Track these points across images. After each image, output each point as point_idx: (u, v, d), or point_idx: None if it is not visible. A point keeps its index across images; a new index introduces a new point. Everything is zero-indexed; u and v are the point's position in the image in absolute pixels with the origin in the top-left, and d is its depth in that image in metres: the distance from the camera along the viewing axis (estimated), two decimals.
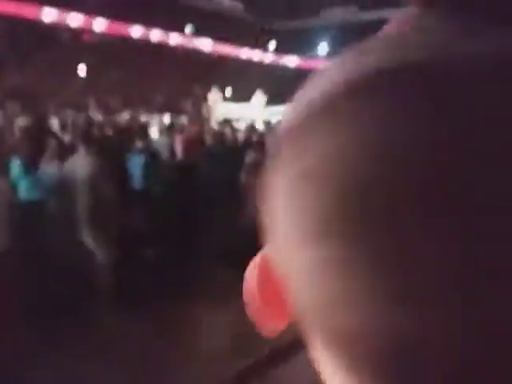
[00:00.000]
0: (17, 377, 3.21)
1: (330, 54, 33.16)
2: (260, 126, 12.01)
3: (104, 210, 3.66)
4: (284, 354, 2.71)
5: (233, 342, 3.67)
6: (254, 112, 16.66)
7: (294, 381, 2.48)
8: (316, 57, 33.68)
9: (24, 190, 3.95)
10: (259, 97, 17.44)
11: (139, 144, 5.31)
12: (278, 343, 3.14)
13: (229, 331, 3.75)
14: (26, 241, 3.45)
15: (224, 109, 19.87)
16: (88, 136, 3.99)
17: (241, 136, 8.40)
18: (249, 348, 3.29)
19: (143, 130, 6.02)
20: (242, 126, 12.21)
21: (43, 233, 3.65)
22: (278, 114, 17.47)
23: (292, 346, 2.26)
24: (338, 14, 28.13)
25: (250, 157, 5.51)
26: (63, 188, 3.77)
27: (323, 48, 33.16)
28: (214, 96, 17.89)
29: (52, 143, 4.67)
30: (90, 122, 7.36)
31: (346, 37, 30.07)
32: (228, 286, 4.52)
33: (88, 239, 3.67)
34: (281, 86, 26.29)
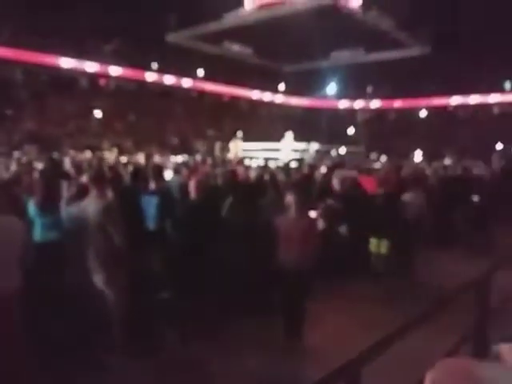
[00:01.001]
0: None
1: (338, 94, 33.84)
2: (292, 164, 12.71)
3: (114, 252, 3.62)
4: None
5: None
6: (283, 151, 17.85)
7: None
8: (325, 97, 34.38)
9: (38, 231, 3.98)
10: (288, 137, 18.63)
11: (153, 185, 5.35)
12: None
13: (242, 378, 3.62)
14: (39, 281, 3.42)
15: (236, 148, 20.27)
16: (99, 178, 3.97)
17: (253, 174, 8.45)
18: None
19: (157, 170, 6.08)
20: (253, 164, 12.43)
21: (56, 273, 3.62)
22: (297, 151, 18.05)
23: None
24: (346, 56, 28.92)
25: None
26: (76, 229, 3.77)
27: (332, 88, 33.91)
28: (235, 140, 19.09)
29: (66, 185, 4.72)
30: (101, 165, 7.47)
31: (354, 77, 30.84)
32: (241, 334, 4.40)
33: (99, 281, 3.62)
34: (292, 125, 26.68)
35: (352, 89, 32.60)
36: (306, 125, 25.50)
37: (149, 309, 4.00)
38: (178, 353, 4.01)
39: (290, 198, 4.30)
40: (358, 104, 33.79)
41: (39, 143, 15.89)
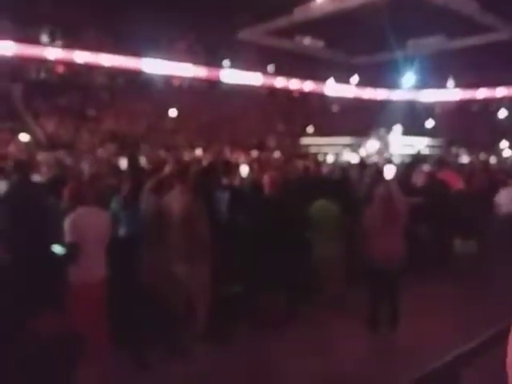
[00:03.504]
0: None
1: (416, 84, 32.15)
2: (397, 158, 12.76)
3: (197, 245, 3.71)
4: None
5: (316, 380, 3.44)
6: (392, 145, 17.80)
7: None
8: (402, 87, 32.85)
9: (122, 224, 4.12)
10: (397, 130, 18.91)
11: (224, 181, 5.37)
12: None
13: (311, 370, 3.51)
14: (123, 271, 3.54)
15: (310, 143, 20.09)
16: (184, 174, 4.11)
17: (325, 170, 8.26)
18: None
19: (228, 167, 6.11)
20: (329, 159, 12.27)
21: (138, 264, 3.74)
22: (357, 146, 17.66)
23: None
24: (425, 44, 27.32)
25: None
26: (159, 222, 3.88)
27: (409, 79, 32.23)
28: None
29: (147, 181, 4.83)
30: (186, 162, 7.72)
31: (433, 66, 29.05)
32: (317, 325, 4.30)
33: (182, 272, 3.69)
34: (366, 119, 25.81)
35: (431, 79, 30.84)
36: (381, 118, 24.51)
37: (222, 301, 4.01)
38: (249, 346, 3.98)
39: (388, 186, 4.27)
40: (438, 95, 31.99)
41: (119, 142, 16.79)
